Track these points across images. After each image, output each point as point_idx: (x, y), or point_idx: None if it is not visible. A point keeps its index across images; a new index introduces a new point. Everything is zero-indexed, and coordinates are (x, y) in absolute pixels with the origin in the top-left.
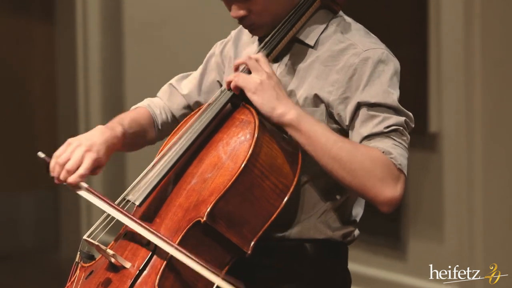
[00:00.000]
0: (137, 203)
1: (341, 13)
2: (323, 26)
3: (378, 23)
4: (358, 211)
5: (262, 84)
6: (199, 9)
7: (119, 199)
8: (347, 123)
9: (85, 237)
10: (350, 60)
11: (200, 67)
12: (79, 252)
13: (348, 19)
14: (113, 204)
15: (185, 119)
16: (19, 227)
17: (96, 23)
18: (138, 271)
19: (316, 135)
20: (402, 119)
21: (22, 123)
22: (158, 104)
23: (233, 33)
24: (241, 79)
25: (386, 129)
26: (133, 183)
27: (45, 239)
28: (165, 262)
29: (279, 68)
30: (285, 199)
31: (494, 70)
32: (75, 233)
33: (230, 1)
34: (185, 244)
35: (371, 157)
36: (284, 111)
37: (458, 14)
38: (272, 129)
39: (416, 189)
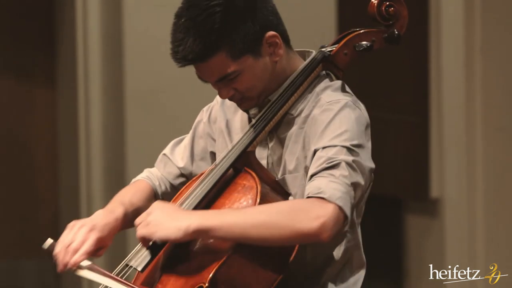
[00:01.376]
0: (139, 269)
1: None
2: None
3: (381, 88)
4: (359, 276)
5: (151, 221)
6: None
7: (121, 265)
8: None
9: None
10: (313, 113)
11: (189, 135)
12: None
13: (332, 81)
14: (117, 278)
15: (186, 184)
16: None
17: (98, 90)
18: None
19: (226, 225)
20: (350, 158)
21: (24, 190)
22: (156, 175)
23: (218, 97)
24: (139, 232)
25: (327, 164)
26: (135, 249)
27: None
28: None
29: (269, 139)
30: (287, 264)
31: (496, 134)
32: None
33: (215, 84)
34: None
35: (285, 206)
36: (184, 227)
37: (459, 78)
38: (274, 195)
39: (418, 254)
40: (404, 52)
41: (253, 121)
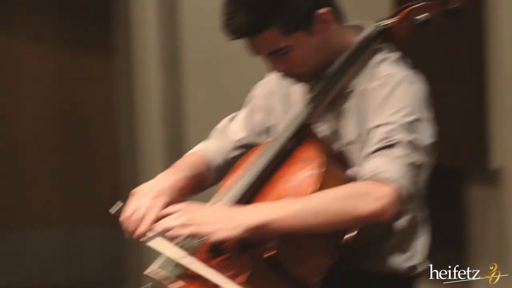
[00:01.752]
0: (201, 240)
1: (387, 50)
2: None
3: (437, 53)
4: (422, 246)
5: (211, 221)
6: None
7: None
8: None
9: (147, 271)
10: (370, 87)
11: (245, 109)
12: (148, 284)
13: (391, 55)
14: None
15: (244, 155)
16: (85, 261)
17: (155, 62)
18: None
19: (285, 216)
20: (409, 136)
21: (84, 160)
22: (212, 148)
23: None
24: (196, 230)
25: (385, 143)
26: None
27: (111, 273)
28: None
29: (327, 113)
30: (351, 234)
31: None
32: (140, 267)
33: (266, 57)
34: (252, 280)
35: (343, 192)
36: (244, 226)
37: None
38: (333, 167)
39: (479, 226)
40: (460, 18)
41: (311, 95)
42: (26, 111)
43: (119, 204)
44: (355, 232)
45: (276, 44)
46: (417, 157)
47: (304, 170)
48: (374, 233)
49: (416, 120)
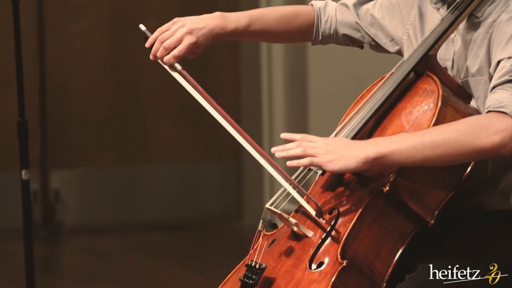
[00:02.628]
0: (320, 172)
1: None
2: None
3: None
4: None
5: (329, 151)
6: None
7: (301, 168)
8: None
9: (267, 205)
10: (500, 18)
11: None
12: (261, 221)
13: None
14: (204, 93)
15: (367, 88)
16: (203, 196)
17: None
18: (320, 240)
19: (404, 149)
20: None
21: (206, 91)
22: (330, 12)
23: None
24: (315, 160)
25: (511, 77)
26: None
27: (229, 208)
28: (346, 232)
29: (455, 41)
30: (468, 169)
31: None
32: (258, 202)
33: None
34: (367, 213)
35: (463, 125)
36: (365, 151)
37: None
38: (455, 99)
39: None
40: None
41: (437, 23)
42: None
43: (142, 27)
44: (471, 167)
45: None
46: None
47: (424, 103)
48: (491, 170)
49: None
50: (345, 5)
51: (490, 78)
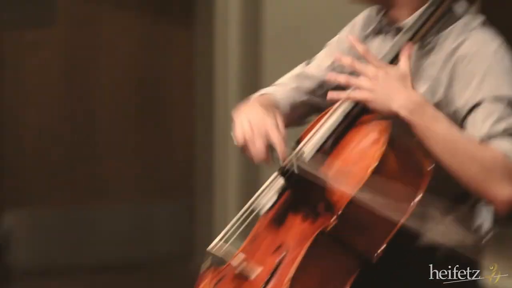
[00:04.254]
0: (265, 209)
1: (472, 11)
2: (450, 23)
3: None
4: (485, 220)
5: (374, 88)
6: (342, 13)
7: (252, 199)
8: (460, 119)
9: (209, 249)
10: (466, 51)
11: (325, 51)
12: (209, 258)
13: (478, 16)
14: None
15: (317, 118)
16: (154, 235)
17: (236, 28)
18: (265, 282)
19: (435, 129)
20: None
21: (160, 129)
22: (283, 91)
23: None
24: (355, 94)
25: (507, 129)
26: (262, 187)
27: (181, 248)
28: (290, 273)
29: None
30: (413, 204)
31: None
32: (210, 242)
33: None
34: (311, 252)
35: (492, 156)
36: (398, 107)
37: None
38: (403, 130)
39: None
40: None
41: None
42: (105, 80)
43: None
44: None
45: None
46: None
47: (370, 136)
48: (439, 206)
49: None
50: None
51: (456, 115)
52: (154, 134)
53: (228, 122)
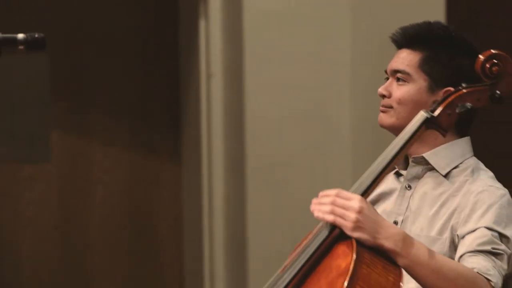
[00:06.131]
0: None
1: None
2: (458, 161)
3: None
4: None
5: (359, 220)
6: (325, 149)
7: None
8: (457, 241)
9: None
10: (471, 189)
11: None
12: None
13: (481, 163)
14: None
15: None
16: None
17: (221, 167)
18: None
19: (417, 258)
20: (509, 251)
21: (149, 264)
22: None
23: None
24: (338, 220)
25: (493, 250)
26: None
27: None
28: None
29: (414, 191)
30: None
31: None
32: None
33: (390, 75)
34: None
35: (467, 275)
36: (384, 239)
37: None
38: (372, 258)
39: None
40: None
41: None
42: (98, 215)
43: None
44: None
45: (408, 66)
46: (509, 271)
47: (339, 264)
48: None
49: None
50: None
51: (451, 241)
52: (144, 264)
53: (215, 254)
